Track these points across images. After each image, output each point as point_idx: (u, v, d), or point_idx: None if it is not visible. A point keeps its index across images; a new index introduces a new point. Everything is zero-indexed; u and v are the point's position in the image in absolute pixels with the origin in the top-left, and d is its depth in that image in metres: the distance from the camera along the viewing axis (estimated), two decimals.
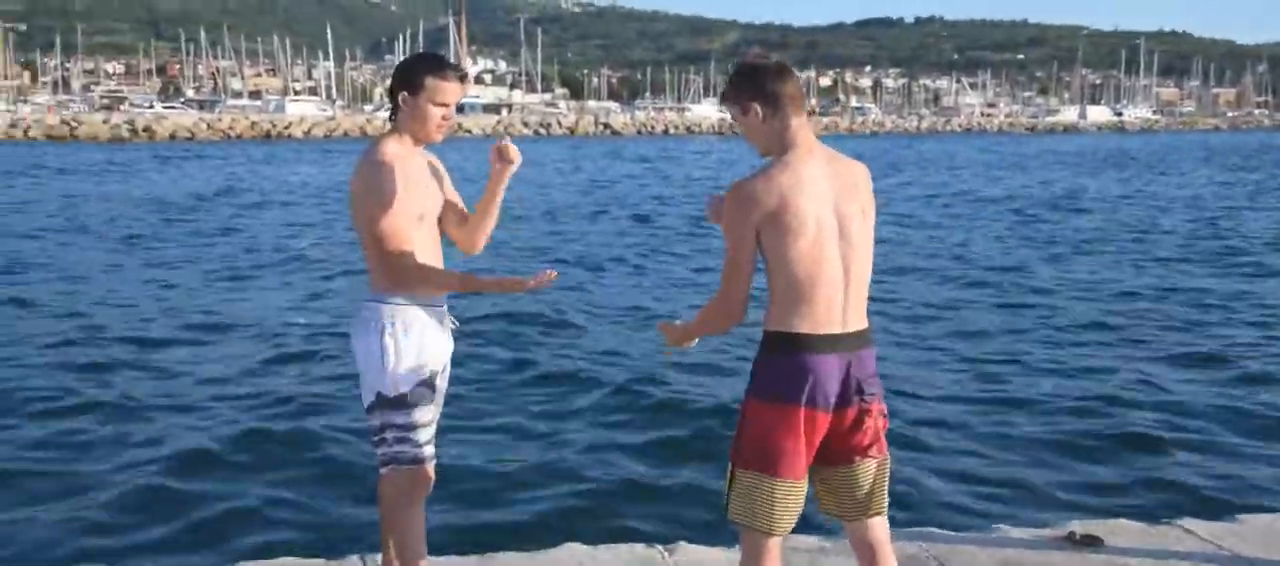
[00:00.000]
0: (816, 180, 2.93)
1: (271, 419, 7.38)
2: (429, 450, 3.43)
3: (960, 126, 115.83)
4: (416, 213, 3.36)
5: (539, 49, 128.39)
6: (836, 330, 2.94)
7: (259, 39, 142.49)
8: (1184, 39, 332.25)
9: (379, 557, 3.61)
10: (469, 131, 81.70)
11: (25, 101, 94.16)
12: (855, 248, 2.97)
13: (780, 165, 2.93)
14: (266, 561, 4.26)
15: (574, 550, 4.34)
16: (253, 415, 7.52)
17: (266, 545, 5.15)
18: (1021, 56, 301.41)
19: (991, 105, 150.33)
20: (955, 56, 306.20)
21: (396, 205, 3.30)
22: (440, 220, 3.54)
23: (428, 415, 3.42)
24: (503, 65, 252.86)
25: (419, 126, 3.39)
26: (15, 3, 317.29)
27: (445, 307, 3.51)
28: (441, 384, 3.50)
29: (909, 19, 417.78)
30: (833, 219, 2.93)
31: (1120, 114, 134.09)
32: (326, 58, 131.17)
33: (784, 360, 2.91)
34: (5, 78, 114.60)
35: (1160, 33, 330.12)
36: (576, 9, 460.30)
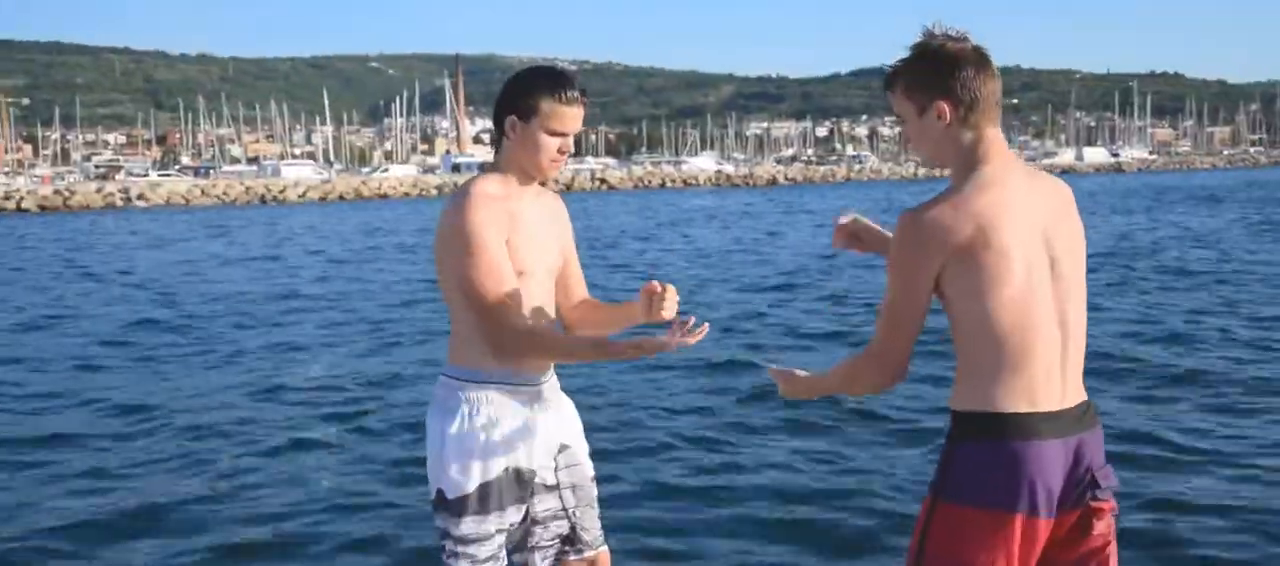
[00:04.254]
0: (1023, 205, 2.25)
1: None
2: None
3: None
4: (518, 267, 2.78)
5: None
6: (1057, 405, 2.26)
7: (258, 106, 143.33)
8: (1177, 80, 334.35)
9: None
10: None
11: (22, 173, 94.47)
12: (1072, 293, 2.30)
13: (975, 185, 2.25)
14: None
15: None
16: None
17: None
18: (1016, 101, 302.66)
19: None
20: None
21: (493, 258, 2.71)
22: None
23: (495, 526, 2.80)
24: None
25: (530, 159, 2.80)
26: (19, 78, 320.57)
27: (548, 383, 2.91)
28: (550, 478, 2.89)
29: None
30: (1045, 256, 2.27)
31: (1117, 155, 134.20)
32: (324, 122, 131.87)
33: (993, 450, 2.22)
34: (7, 151, 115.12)
35: (1153, 74, 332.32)
36: (572, 66, 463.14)
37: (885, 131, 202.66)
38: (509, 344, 2.74)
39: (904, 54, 2.36)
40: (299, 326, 13.51)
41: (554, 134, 2.77)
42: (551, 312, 2.92)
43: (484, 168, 2.92)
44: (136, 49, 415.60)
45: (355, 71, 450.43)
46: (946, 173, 2.35)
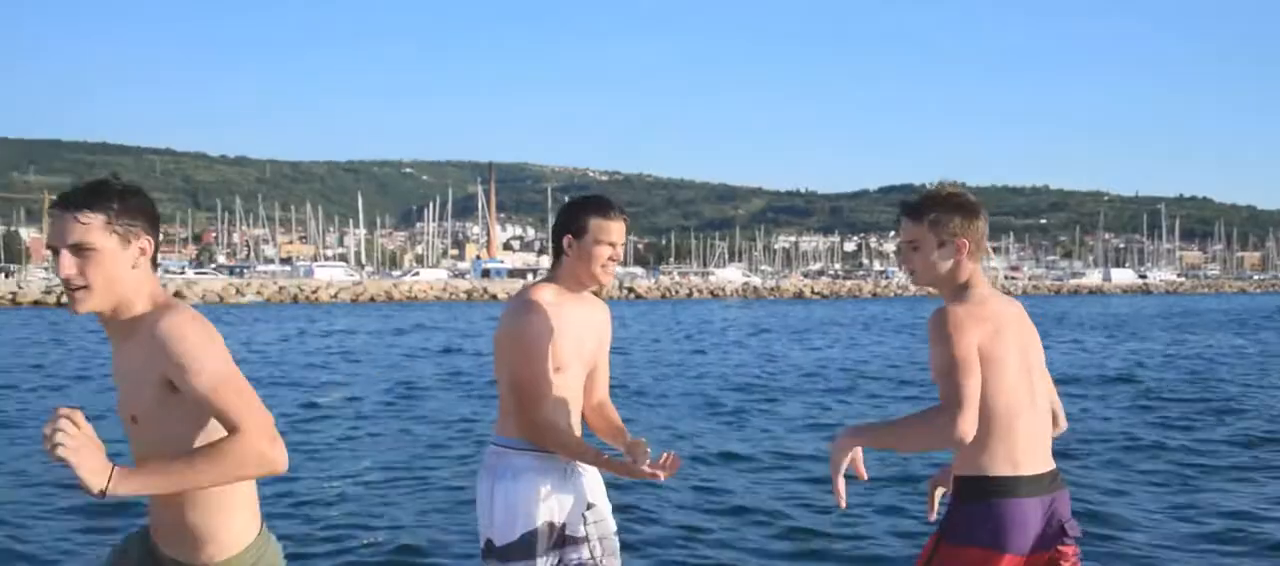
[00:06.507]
0: (1005, 313, 2.90)
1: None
2: None
3: None
4: (557, 363, 3.33)
5: None
6: (1036, 470, 2.86)
7: (293, 208, 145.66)
8: (1206, 204, 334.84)
9: None
10: (495, 296, 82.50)
11: None
12: (1038, 380, 2.95)
13: (977, 298, 2.88)
14: None
15: None
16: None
17: None
18: (1044, 221, 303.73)
19: (1015, 268, 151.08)
20: None
21: (538, 355, 3.27)
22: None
23: None
24: (531, 231, 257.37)
25: (585, 268, 3.38)
26: (65, 176, 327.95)
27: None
28: (579, 531, 3.42)
29: (931, 185, 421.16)
30: (1022, 350, 2.90)
31: (1145, 277, 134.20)
32: (357, 225, 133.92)
33: (988, 507, 2.81)
34: (48, 247, 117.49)
35: (1181, 198, 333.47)
36: (604, 177, 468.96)
37: None
38: (536, 433, 3.30)
39: (929, 192, 3.03)
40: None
41: (603, 244, 3.37)
42: (579, 406, 3.48)
43: (544, 277, 3.50)
44: (177, 150, 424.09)
45: (389, 176, 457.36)
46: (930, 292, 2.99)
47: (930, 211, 2.97)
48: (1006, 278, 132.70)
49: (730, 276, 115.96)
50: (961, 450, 2.85)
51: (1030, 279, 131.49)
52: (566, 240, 3.38)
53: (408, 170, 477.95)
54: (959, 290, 2.93)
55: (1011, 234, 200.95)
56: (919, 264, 2.97)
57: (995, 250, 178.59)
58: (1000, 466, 2.82)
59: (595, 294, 3.60)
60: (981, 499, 2.83)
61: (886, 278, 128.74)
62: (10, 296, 64.27)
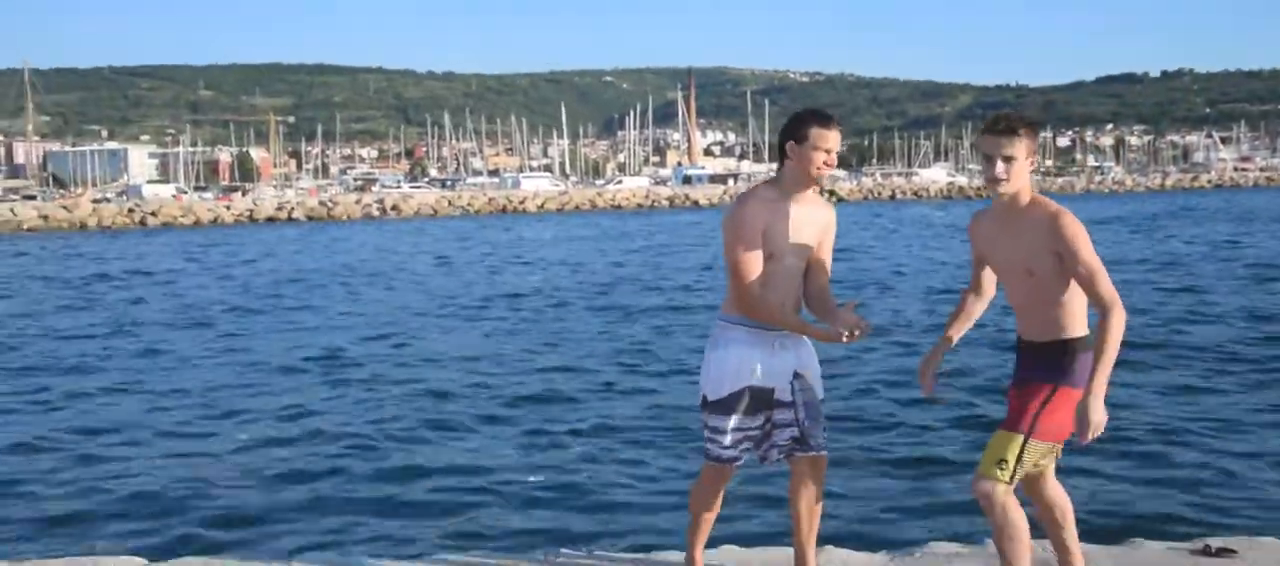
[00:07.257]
0: None
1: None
2: (730, 452, 4.02)
3: (1210, 183, 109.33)
4: (769, 251, 3.87)
5: (766, 119, 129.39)
6: None
7: (498, 120, 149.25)
8: None
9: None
10: (696, 202, 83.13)
11: (290, 185, 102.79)
12: None
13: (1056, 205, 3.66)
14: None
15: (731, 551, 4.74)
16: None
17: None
18: None
19: (1245, 159, 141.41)
20: (1207, 110, 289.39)
21: (747, 241, 3.85)
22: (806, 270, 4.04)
23: (737, 423, 3.97)
24: (731, 136, 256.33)
25: (803, 170, 3.90)
26: (286, 98, 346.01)
27: (782, 334, 3.98)
28: (786, 396, 3.99)
29: (1155, 73, 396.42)
30: None
31: None
32: (561, 136, 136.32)
33: (1087, 356, 3.58)
34: (276, 165, 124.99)
35: None
36: (804, 78, 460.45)
37: (1133, 141, 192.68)
38: (746, 306, 3.90)
39: (1016, 115, 3.65)
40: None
41: (820, 150, 3.88)
42: (794, 290, 3.99)
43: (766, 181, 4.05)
44: (388, 68, 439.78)
45: (590, 86, 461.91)
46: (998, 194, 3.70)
47: (1024, 131, 3.62)
48: (1236, 169, 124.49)
49: (935, 176, 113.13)
50: (1072, 317, 3.64)
51: (1263, 171, 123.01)
52: (789, 145, 3.89)
53: (608, 79, 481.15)
54: (1030, 193, 3.63)
55: (1243, 122, 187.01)
56: (1015, 175, 3.60)
57: (1223, 141, 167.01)
58: (1085, 326, 3.63)
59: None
60: (1088, 349, 3.56)
61: (1101, 173, 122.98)
62: (247, 213, 69.04)
